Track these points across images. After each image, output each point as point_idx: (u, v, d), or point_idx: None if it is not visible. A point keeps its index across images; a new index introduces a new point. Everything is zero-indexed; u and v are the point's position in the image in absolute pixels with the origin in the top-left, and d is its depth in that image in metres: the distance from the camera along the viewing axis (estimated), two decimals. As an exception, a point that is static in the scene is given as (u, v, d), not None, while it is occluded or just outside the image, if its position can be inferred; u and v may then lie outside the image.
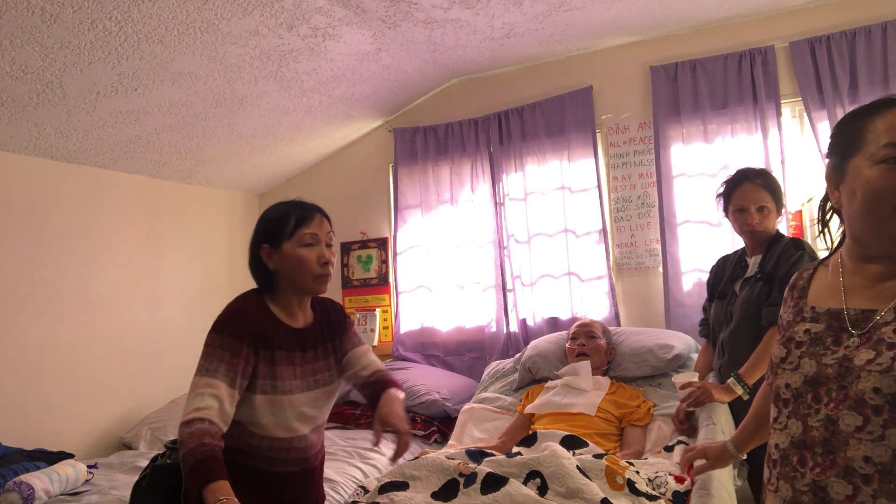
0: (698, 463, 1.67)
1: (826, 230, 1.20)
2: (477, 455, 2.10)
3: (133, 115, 2.94)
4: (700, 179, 3.14)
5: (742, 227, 2.20)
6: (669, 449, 2.15)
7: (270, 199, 4.43)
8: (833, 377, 1.03)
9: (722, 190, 2.27)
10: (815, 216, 1.22)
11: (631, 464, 1.97)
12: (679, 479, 1.87)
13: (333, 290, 4.16)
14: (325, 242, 1.66)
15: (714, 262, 2.46)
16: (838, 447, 1.00)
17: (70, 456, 2.68)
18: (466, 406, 2.93)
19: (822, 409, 1.03)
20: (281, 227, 1.62)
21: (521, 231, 3.58)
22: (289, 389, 1.59)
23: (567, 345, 2.84)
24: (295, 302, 1.67)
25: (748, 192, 2.15)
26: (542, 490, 1.80)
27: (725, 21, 3.18)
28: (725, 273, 2.34)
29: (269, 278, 1.64)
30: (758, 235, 2.18)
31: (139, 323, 3.51)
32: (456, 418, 2.95)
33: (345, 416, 3.33)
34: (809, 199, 3.06)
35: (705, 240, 3.11)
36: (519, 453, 2.03)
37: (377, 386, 1.68)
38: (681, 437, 2.20)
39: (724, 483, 1.67)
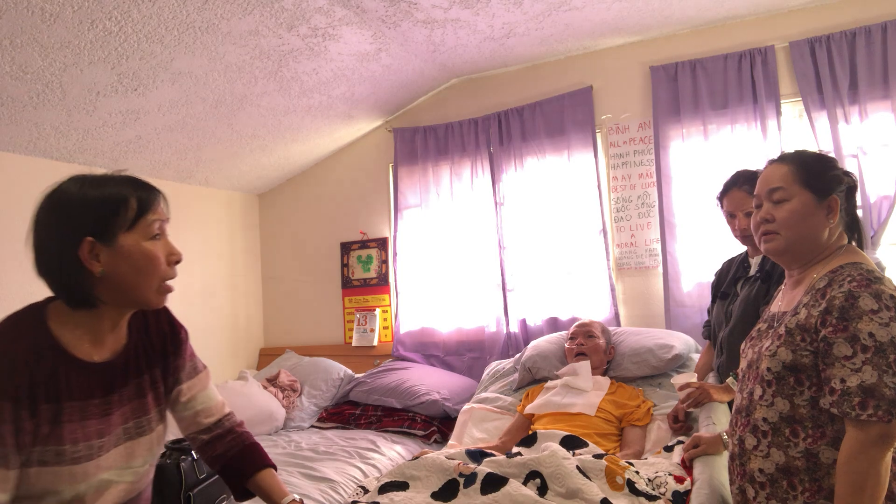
0: (692, 451, 1.82)
1: None
2: (477, 455, 2.10)
3: (133, 115, 2.94)
4: (700, 179, 3.13)
5: (732, 232, 2.24)
6: (669, 449, 2.16)
7: (270, 199, 4.44)
8: (755, 361, 1.41)
9: (718, 194, 2.30)
10: None
11: (631, 464, 1.97)
12: (679, 479, 1.87)
13: (333, 290, 4.17)
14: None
15: (719, 265, 2.47)
16: (751, 411, 1.38)
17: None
18: (466, 406, 2.93)
19: (748, 384, 1.42)
20: (116, 212, 1.12)
21: (520, 231, 3.57)
22: (86, 454, 1.10)
23: (566, 345, 2.84)
24: (110, 322, 1.18)
25: (736, 199, 2.17)
26: (542, 490, 1.80)
27: (725, 21, 3.18)
28: (729, 275, 2.35)
29: (86, 290, 1.11)
30: (749, 239, 2.20)
31: (139, 323, 3.50)
32: (456, 418, 2.95)
33: (345, 416, 3.34)
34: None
35: (705, 240, 3.11)
36: (519, 453, 2.03)
37: (242, 461, 1.32)
38: (680, 437, 2.20)
39: (725, 483, 1.67)
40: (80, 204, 1.12)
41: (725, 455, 1.79)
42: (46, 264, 1.14)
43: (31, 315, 1.14)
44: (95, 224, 1.11)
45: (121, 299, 1.15)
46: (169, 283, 1.19)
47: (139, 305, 1.19)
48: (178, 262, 1.20)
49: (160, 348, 1.30)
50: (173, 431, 1.40)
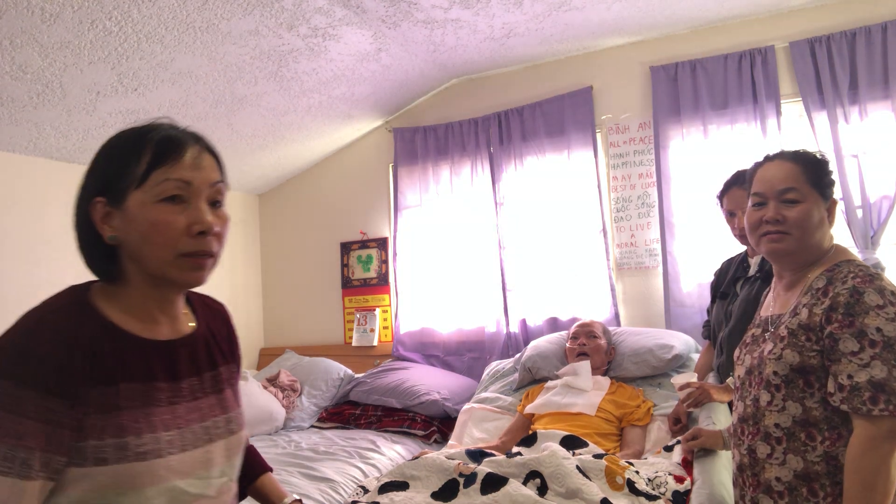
0: (691, 441, 1.82)
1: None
2: (477, 455, 2.10)
3: (133, 115, 2.94)
4: (700, 179, 3.13)
5: (732, 231, 2.25)
6: (669, 449, 2.16)
7: (270, 199, 4.44)
8: (756, 366, 1.36)
9: (718, 193, 2.30)
10: None
11: (631, 464, 1.97)
12: (679, 479, 1.87)
13: (333, 290, 4.17)
14: (209, 199, 0.96)
15: (718, 265, 2.47)
16: (760, 418, 1.33)
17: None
18: (466, 406, 2.93)
19: (752, 391, 1.36)
20: (125, 166, 0.92)
21: (520, 231, 3.57)
22: (153, 449, 0.89)
23: (567, 344, 2.84)
24: (155, 299, 0.98)
25: (736, 198, 2.17)
26: (542, 490, 1.80)
27: (725, 21, 3.18)
28: (728, 275, 2.35)
29: (109, 259, 0.96)
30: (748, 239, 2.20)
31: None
32: (456, 418, 2.95)
33: (345, 416, 3.34)
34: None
35: (705, 240, 3.11)
36: (519, 453, 2.03)
37: (243, 467, 1.18)
38: (680, 437, 2.20)
39: (724, 482, 1.67)
40: (99, 157, 0.95)
41: (725, 455, 1.79)
42: (77, 233, 0.97)
43: (71, 293, 0.95)
44: (105, 181, 0.93)
45: (142, 273, 0.95)
46: (201, 254, 0.94)
47: (167, 282, 0.96)
48: (203, 232, 0.93)
49: (228, 351, 1.12)
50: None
